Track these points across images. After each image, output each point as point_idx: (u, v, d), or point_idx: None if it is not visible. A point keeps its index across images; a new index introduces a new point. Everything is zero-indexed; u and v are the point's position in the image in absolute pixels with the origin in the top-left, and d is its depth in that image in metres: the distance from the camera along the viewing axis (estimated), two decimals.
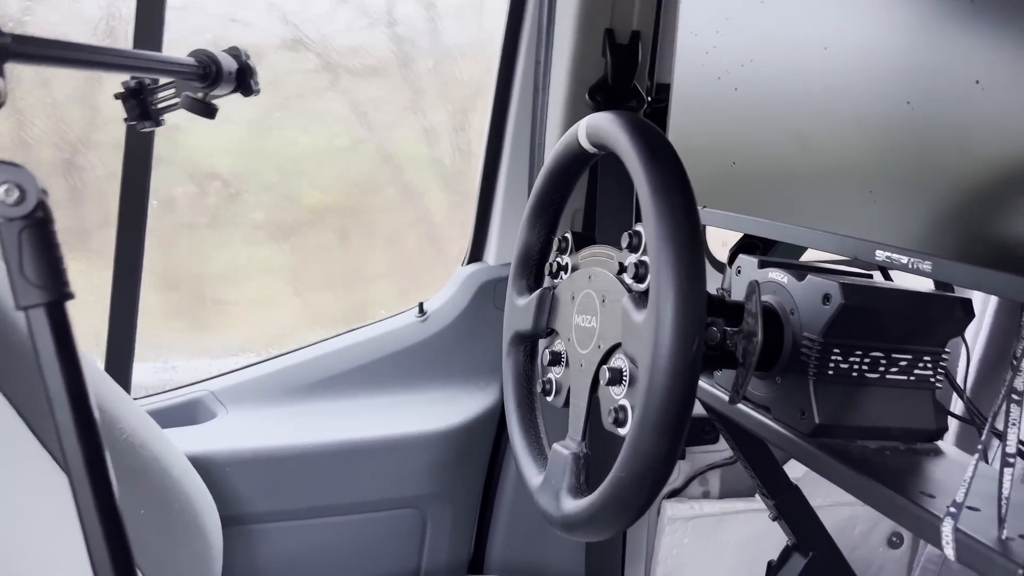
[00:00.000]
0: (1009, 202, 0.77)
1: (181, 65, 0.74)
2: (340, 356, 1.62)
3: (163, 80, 0.81)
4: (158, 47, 1.26)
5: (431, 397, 1.64)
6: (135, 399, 1.50)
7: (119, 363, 1.44)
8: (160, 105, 0.80)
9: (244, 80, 0.79)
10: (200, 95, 0.78)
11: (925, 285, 0.98)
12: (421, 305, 1.68)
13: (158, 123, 0.82)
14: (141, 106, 0.80)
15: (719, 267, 1.73)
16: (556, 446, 0.87)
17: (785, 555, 1.20)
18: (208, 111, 0.79)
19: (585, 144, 0.88)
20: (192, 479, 1.17)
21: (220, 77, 0.76)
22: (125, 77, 0.81)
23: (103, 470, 0.57)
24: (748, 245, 1.22)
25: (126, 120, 0.83)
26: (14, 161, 0.57)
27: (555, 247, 0.98)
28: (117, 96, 0.80)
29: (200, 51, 0.77)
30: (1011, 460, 0.72)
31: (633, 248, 0.80)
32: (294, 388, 1.57)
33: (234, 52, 0.79)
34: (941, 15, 0.83)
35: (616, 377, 0.80)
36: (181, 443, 1.24)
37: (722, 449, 1.73)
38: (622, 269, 0.82)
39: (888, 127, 0.89)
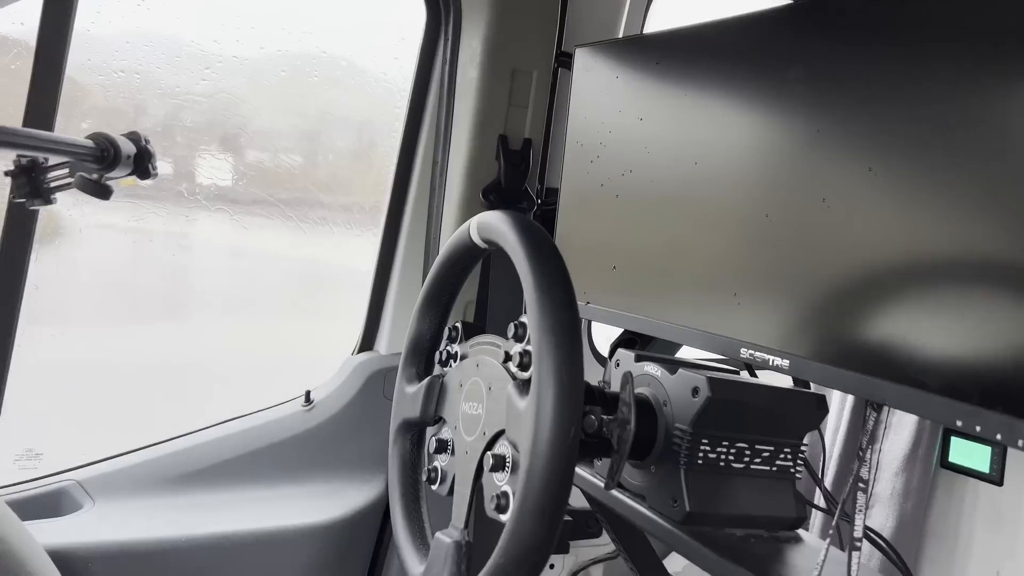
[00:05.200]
0: (852, 309, 0.86)
1: (78, 147, 0.75)
2: (219, 445, 1.57)
3: (57, 159, 0.81)
4: (51, 124, 1.24)
5: (314, 489, 1.60)
6: None
7: None
8: (52, 184, 0.80)
9: (142, 164, 0.80)
10: (95, 176, 0.78)
11: (789, 383, 1.06)
12: (308, 394, 1.66)
13: (49, 201, 0.81)
14: (32, 184, 0.80)
15: (602, 361, 1.80)
16: (439, 535, 0.88)
17: None
18: (102, 192, 0.79)
19: (476, 239, 0.93)
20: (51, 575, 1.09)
21: (118, 160, 0.77)
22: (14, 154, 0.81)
23: None
24: (628, 340, 1.28)
25: (13, 197, 0.82)
26: None
27: (445, 336, 1.01)
28: (7, 173, 0.79)
29: (98, 134, 0.77)
30: (858, 544, 0.78)
31: (518, 338, 0.84)
32: (169, 478, 1.51)
33: (133, 136, 0.81)
34: (793, 141, 0.94)
35: (499, 463, 0.82)
36: (41, 536, 1.17)
37: (605, 543, 1.74)
38: (508, 358, 0.85)
39: (749, 236, 0.99)
